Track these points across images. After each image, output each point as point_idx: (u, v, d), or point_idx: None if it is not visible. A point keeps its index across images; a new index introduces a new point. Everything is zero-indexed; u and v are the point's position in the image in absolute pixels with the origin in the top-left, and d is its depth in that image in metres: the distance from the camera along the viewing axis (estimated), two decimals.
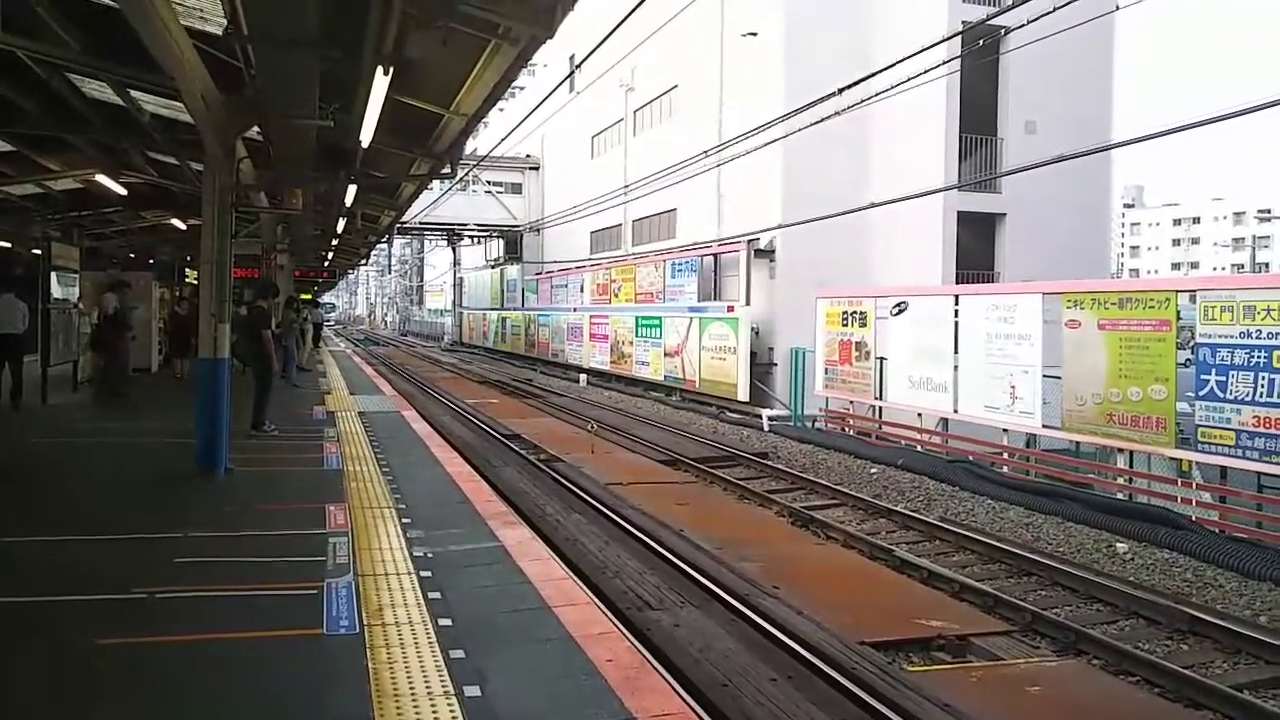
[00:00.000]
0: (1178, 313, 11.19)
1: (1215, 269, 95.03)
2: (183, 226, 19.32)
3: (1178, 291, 11.43)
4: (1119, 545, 10.11)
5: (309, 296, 34.32)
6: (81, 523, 6.96)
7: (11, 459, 9.66)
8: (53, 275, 13.27)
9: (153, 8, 6.19)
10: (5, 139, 12.19)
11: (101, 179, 13.45)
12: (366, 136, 10.19)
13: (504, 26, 7.71)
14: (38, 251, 14.33)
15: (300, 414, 13.65)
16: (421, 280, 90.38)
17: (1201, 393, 10.61)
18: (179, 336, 17.71)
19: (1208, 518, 10.97)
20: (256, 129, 10.42)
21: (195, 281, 20.81)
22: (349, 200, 16.39)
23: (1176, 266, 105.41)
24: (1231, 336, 10.28)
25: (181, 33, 7.06)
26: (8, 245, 18.26)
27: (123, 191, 14.40)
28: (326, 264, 37.74)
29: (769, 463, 14.86)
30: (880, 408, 17.26)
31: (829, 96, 13.61)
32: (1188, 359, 11.43)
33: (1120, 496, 12.07)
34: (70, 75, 9.82)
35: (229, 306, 9.18)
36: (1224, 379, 10.35)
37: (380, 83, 7.89)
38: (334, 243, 28.95)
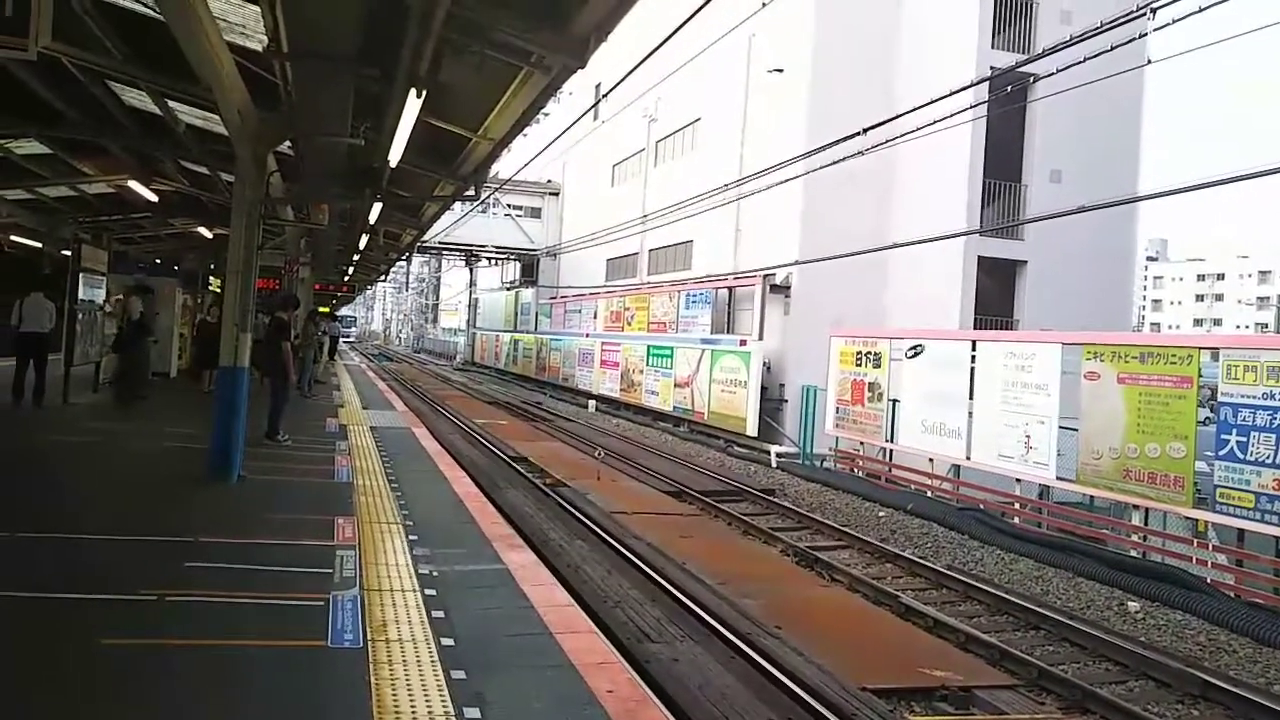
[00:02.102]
0: (1200, 370, 11.10)
1: (1239, 327, 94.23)
2: (209, 235, 19.53)
3: (1200, 348, 11.32)
4: (1131, 604, 9.96)
5: (326, 310, 34.54)
6: (95, 522, 7.01)
7: (30, 456, 9.74)
8: (80, 277, 13.43)
9: (198, 23, 6.32)
10: (43, 142, 12.39)
11: (134, 185, 13.63)
12: (395, 156, 10.31)
13: (537, 55, 7.82)
14: (67, 252, 14.49)
15: (313, 426, 13.71)
16: (437, 299, 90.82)
17: (1221, 453, 10.48)
18: (208, 347, 15.76)
19: (1223, 580, 10.79)
20: (288, 144, 10.55)
21: (218, 289, 21.02)
22: (373, 218, 16.53)
23: (1199, 323, 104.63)
24: (1254, 397, 10.17)
25: (223, 48, 7.20)
26: (39, 245, 18.49)
27: (153, 198, 14.58)
28: (346, 278, 38.00)
29: (776, 500, 14.81)
30: (891, 450, 17.18)
31: (852, 136, 13.66)
32: (1208, 417, 11.32)
33: (1134, 554, 11.92)
34: (111, 83, 9.99)
35: (252, 316, 9.27)
36: (1245, 440, 10.23)
37: (412, 104, 7.99)
38: (355, 258, 29.18)
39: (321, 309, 29.91)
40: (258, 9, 6.96)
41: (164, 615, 5.06)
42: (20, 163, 13.37)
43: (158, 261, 24.42)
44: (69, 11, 7.04)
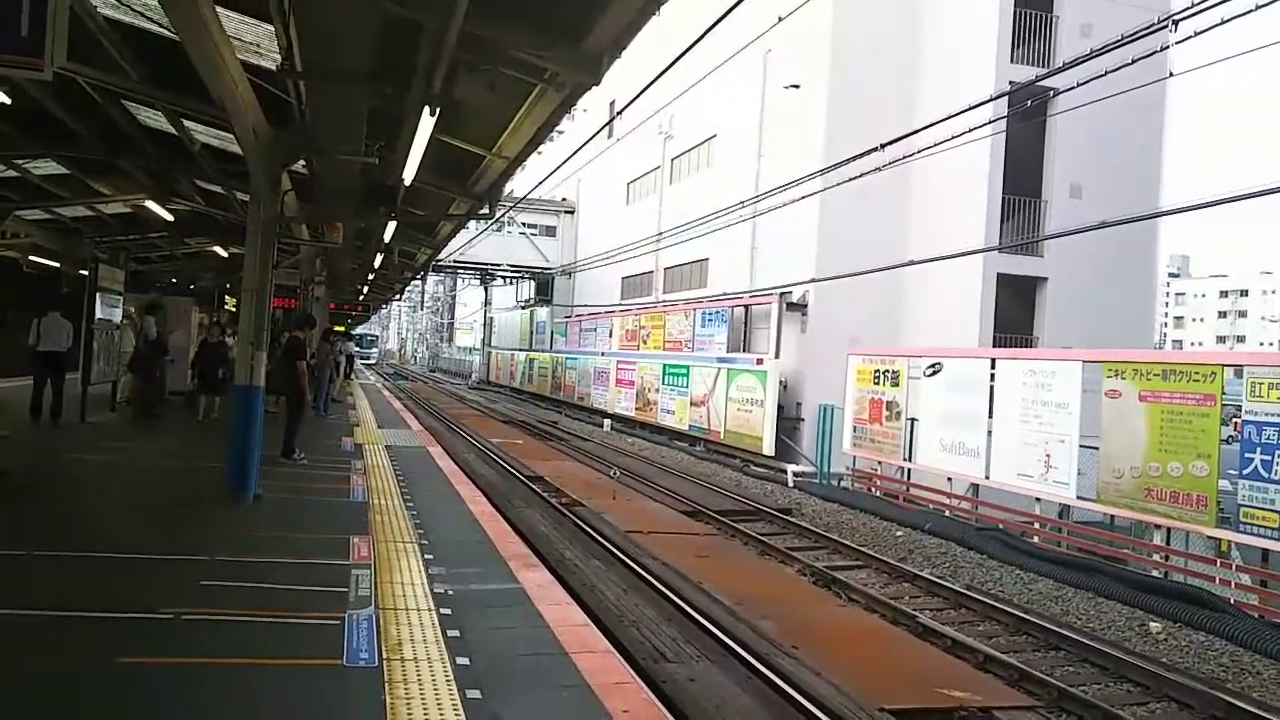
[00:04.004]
0: (1223, 388, 10.94)
1: (1262, 344, 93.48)
2: (224, 254, 19.68)
3: (1224, 366, 11.17)
4: (1152, 624, 9.84)
5: (342, 329, 34.66)
6: (111, 540, 7.01)
7: (47, 474, 9.76)
8: (97, 296, 13.51)
9: (212, 42, 6.35)
10: (61, 162, 12.50)
11: (150, 205, 13.74)
12: (409, 174, 10.33)
13: (551, 72, 7.82)
14: (85, 272, 14.58)
15: (329, 445, 13.71)
16: (452, 318, 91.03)
17: (1245, 471, 10.33)
18: (208, 370, 14.86)
19: (1247, 601, 10.62)
20: (302, 162, 10.60)
21: (233, 308, 21.10)
22: (388, 236, 16.59)
23: (1222, 339, 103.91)
24: (1279, 415, 10.04)
25: (237, 67, 7.23)
26: (56, 265, 18.63)
27: (170, 217, 14.70)
28: (361, 297, 38.14)
29: (792, 519, 14.70)
30: (909, 469, 17.05)
31: (870, 152, 13.59)
32: (1231, 435, 11.16)
33: (1155, 574, 11.75)
34: (127, 103, 10.07)
35: (267, 335, 9.27)
36: (1269, 458, 10.07)
37: (426, 122, 8.00)
38: (370, 277, 29.29)
39: (337, 328, 30.05)
40: (271, 28, 6.99)
41: (180, 634, 5.03)
42: (38, 183, 13.51)
43: (173, 280, 24.63)
44: (85, 32, 7.11)
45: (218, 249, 19.32)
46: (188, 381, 15.77)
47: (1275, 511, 9.99)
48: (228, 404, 12.73)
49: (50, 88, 8.55)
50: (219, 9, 6.42)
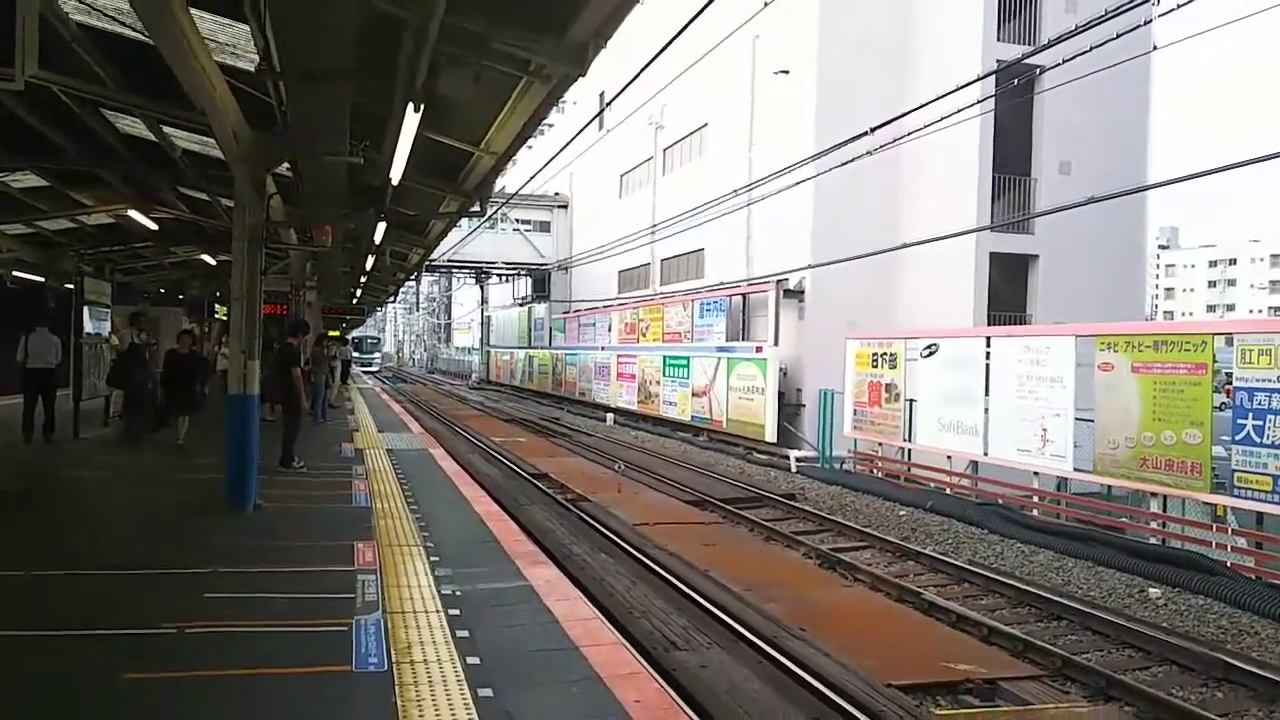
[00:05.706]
0: (1214, 356, 10.98)
1: (1252, 311, 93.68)
2: (212, 262, 19.55)
3: (1214, 334, 11.22)
4: (1151, 590, 9.92)
5: (337, 333, 34.55)
6: (111, 556, 6.98)
7: (43, 492, 9.71)
8: (85, 310, 13.38)
9: (187, 45, 6.26)
10: (39, 174, 12.36)
11: (133, 214, 13.59)
12: (396, 174, 10.26)
13: (536, 64, 7.75)
14: (70, 286, 14.44)
15: (329, 451, 13.68)
16: (449, 318, 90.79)
17: (1238, 437, 10.40)
18: (181, 388, 13.45)
19: (1243, 564, 10.71)
20: (287, 165, 10.51)
21: (223, 317, 21.00)
22: (378, 238, 16.49)
23: (1212, 309, 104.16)
24: (1269, 380, 10.08)
25: (215, 69, 7.13)
26: (41, 280, 18.48)
27: (154, 227, 14.53)
28: (355, 301, 38.01)
29: (796, 504, 14.71)
30: (909, 450, 17.07)
31: (861, 135, 13.57)
32: (1223, 402, 11.21)
33: (1153, 541, 11.82)
34: (104, 110, 9.95)
35: (259, 343, 9.18)
36: (1261, 423, 10.14)
37: (411, 120, 7.93)
38: (362, 280, 29.17)
39: (332, 333, 29.94)
40: (247, 28, 6.91)
41: (185, 647, 5.02)
42: (18, 197, 13.31)
43: (162, 291, 24.48)
44: (57, 39, 6.99)
45: (205, 257, 19.18)
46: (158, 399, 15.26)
47: (1268, 475, 10.08)
48: (208, 424, 12.66)
49: (23, 98, 8.42)
50: (193, 10, 6.32)
